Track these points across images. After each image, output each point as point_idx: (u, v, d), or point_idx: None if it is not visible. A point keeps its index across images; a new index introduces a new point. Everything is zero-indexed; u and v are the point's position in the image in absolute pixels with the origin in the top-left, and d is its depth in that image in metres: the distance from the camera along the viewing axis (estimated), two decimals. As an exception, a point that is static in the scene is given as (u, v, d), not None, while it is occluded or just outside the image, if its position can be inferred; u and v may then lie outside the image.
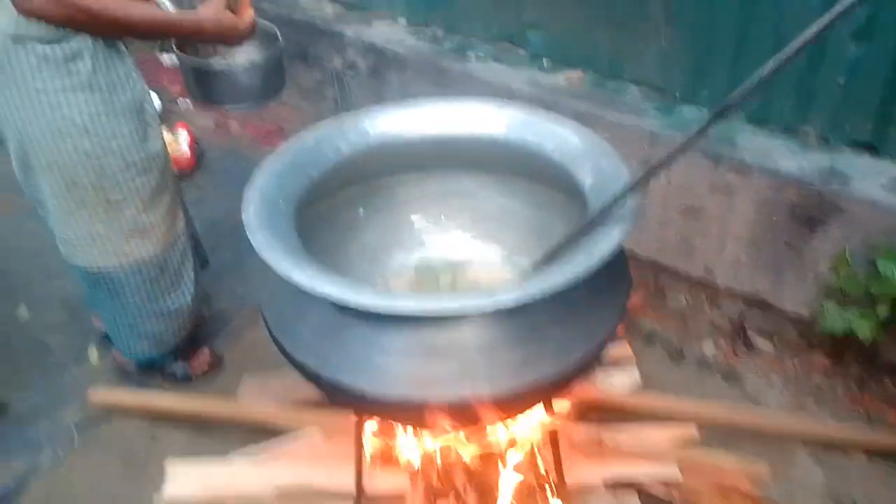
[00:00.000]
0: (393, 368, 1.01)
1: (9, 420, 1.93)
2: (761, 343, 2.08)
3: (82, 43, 1.44)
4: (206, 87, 1.66)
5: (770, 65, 0.91)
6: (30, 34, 1.39)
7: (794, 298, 2.01)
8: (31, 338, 2.20)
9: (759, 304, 2.10)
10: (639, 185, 1.07)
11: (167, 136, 2.97)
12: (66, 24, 1.39)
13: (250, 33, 1.60)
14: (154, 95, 3.09)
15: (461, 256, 1.59)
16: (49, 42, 1.41)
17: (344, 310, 1.00)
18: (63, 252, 1.72)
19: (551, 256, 1.13)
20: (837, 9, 0.84)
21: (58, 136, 1.50)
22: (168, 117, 3.26)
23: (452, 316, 0.96)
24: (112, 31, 1.47)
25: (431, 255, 1.60)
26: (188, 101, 3.34)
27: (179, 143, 3.00)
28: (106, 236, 1.65)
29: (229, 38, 1.57)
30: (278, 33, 1.71)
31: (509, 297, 0.94)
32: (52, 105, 1.47)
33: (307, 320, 1.09)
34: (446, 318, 0.98)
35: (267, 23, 1.77)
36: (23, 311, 2.28)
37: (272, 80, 1.70)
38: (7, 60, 1.42)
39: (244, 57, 1.70)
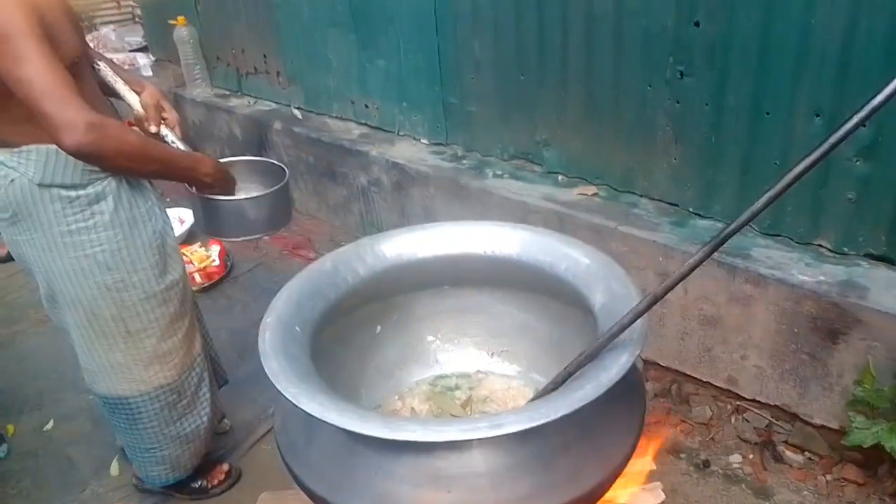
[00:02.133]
0: (400, 496, 1.01)
1: (29, 538, 1.94)
2: (791, 456, 2.02)
3: (106, 185, 1.53)
4: (213, 219, 1.74)
5: (769, 193, 0.95)
6: (55, 181, 1.47)
7: (822, 410, 1.96)
8: (56, 451, 2.23)
9: (787, 416, 2.06)
10: (643, 311, 1.09)
11: (201, 251, 3.11)
12: (105, 164, 1.46)
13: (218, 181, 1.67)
14: (188, 213, 3.24)
15: (477, 372, 1.61)
16: (74, 188, 1.49)
17: (352, 436, 1.01)
18: (86, 380, 1.77)
19: (559, 383, 1.15)
20: (837, 135, 0.88)
21: (80, 274, 1.56)
22: (201, 233, 3.41)
23: (458, 442, 0.97)
24: (143, 172, 1.56)
25: (447, 371, 1.62)
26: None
27: (212, 256, 3.11)
28: (125, 365, 1.69)
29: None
30: (286, 170, 1.81)
31: (515, 424, 0.95)
32: (75, 245, 1.53)
33: (317, 445, 1.10)
34: (451, 445, 0.99)
35: (275, 161, 1.90)
36: (50, 425, 2.33)
37: (278, 212, 1.79)
38: (33, 206, 1.49)
39: (251, 192, 1.80)
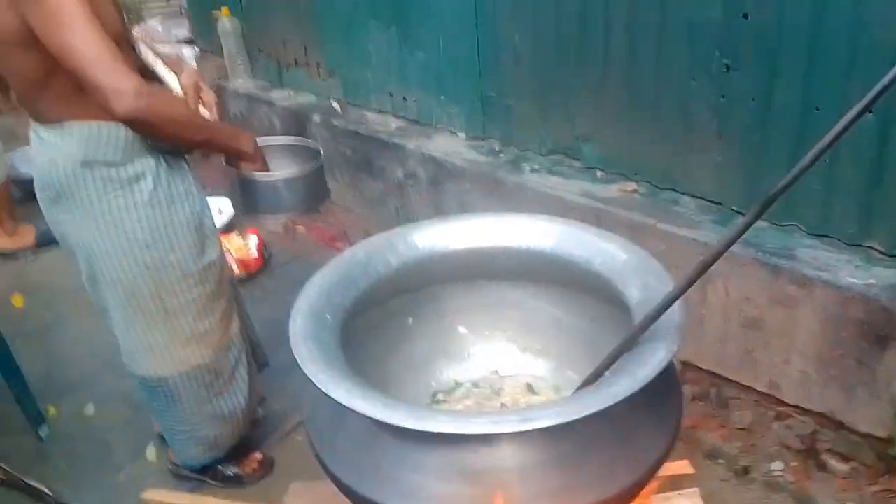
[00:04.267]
0: (428, 489, 1.00)
1: (67, 520, 1.97)
2: (835, 465, 1.94)
3: (146, 164, 1.56)
4: (249, 197, 1.77)
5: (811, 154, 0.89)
6: (97, 158, 1.50)
7: (870, 418, 1.89)
8: (94, 435, 2.27)
9: (832, 423, 1.98)
10: (680, 293, 1.05)
11: (239, 240, 3.14)
12: (154, 131, 1.48)
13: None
14: (227, 202, 3.28)
15: (509, 368, 1.58)
16: (115, 165, 1.52)
17: (381, 426, 1.00)
18: (125, 361, 1.80)
19: (596, 376, 1.12)
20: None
21: (121, 252, 1.59)
22: (240, 223, 3.44)
23: (487, 435, 0.95)
24: (185, 141, 1.58)
25: (479, 365, 1.60)
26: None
27: (249, 246, 3.14)
28: (163, 344, 1.71)
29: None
30: (321, 150, 1.82)
31: (546, 418, 0.92)
32: (115, 224, 1.56)
33: (345, 434, 1.09)
34: (481, 438, 0.97)
35: (311, 142, 1.90)
36: (90, 409, 2.37)
37: (313, 192, 1.80)
38: (75, 184, 1.52)
39: (287, 171, 1.81)
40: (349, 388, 0.98)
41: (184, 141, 1.59)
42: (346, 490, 1.08)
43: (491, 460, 1.00)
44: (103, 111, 1.38)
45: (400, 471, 1.02)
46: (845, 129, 0.85)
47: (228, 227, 3.36)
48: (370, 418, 0.94)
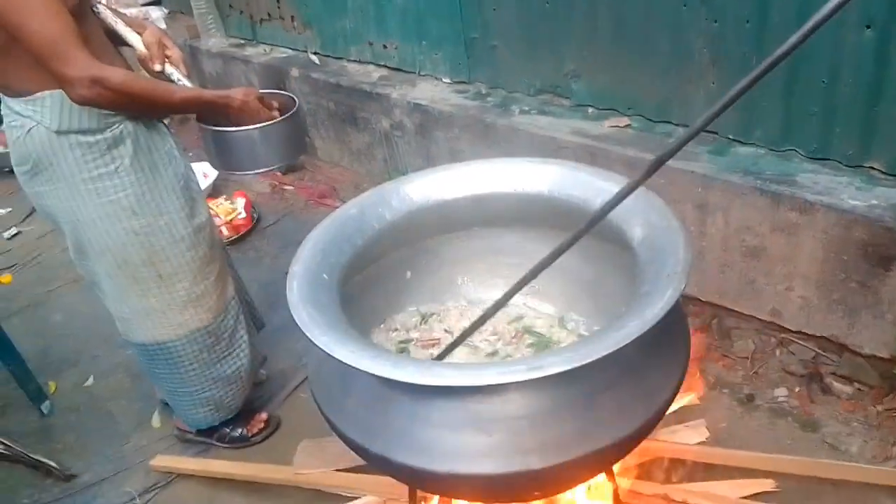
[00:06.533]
0: (439, 443, 0.98)
1: (75, 489, 1.98)
2: (839, 387, 1.95)
3: (123, 129, 1.51)
4: (225, 153, 1.71)
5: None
6: (72, 127, 1.46)
7: (873, 339, 1.89)
8: (98, 406, 2.27)
9: (835, 347, 1.98)
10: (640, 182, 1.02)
11: (227, 204, 3.09)
12: (117, 110, 1.47)
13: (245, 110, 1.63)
14: (209, 166, 3.21)
15: (512, 314, 1.56)
16: (91, 132, 1.48)
17: (387, 383, 0.98)
18: (121, 330, 1.78)
19: (541, 269, 1.09)
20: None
21: (107, 220, 1.55)
22: (227, 186, 3.38)
23: (495, 386, 0.92)
24: (156, 112, 1.56)
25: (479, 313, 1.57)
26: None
27: (237, 209, 3.09)
28: (160, 310, 1.69)
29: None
30: (296, 99, 1.75)
31: (554, 365, 0.90)
32: (99, 192, 1.52)
33: (352, 394, 1.07)
34: (489, 389, 0.95)
35: (285, 92, 1.83)
36: (90, 381, 2.36)
37: (292, 143, 1.74)
38: (53, 154, 1.48)
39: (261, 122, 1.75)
40: (354, 348, 0.96)
41: (156, 111, 1.57)
42: (356, 447, 1.06)
43: (501, 410, 0.98)
44: None
45: (410, 425, 1.00)
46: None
47: (215, 192, 3.31)
48: (377, 376, 0.91)
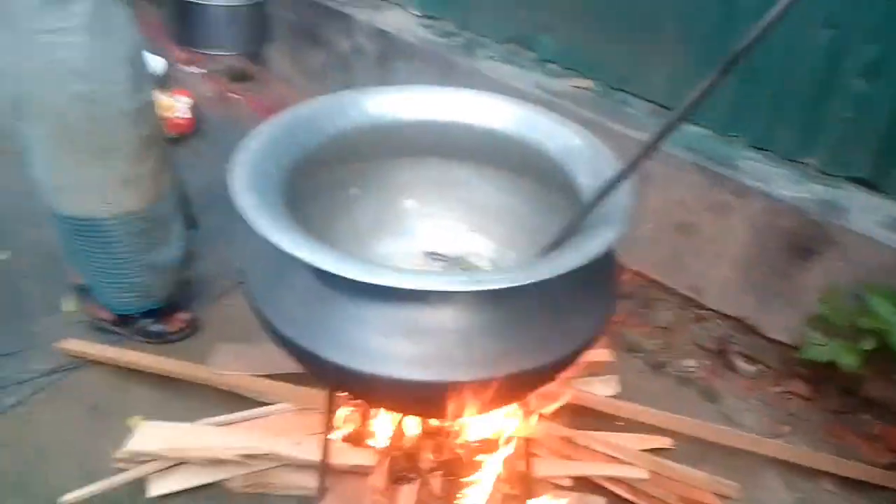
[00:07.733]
0: (370, 344, 0.99)
1: (-25, 364, 1.89)
2: (743, 366, 2.07)
3: None
4: (187, 25, 1.64)
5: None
6: None
7: (780, 325, 2.01)
8: (9, 283, 2.16)
9: (745, 328, 2.09)
10: (631, 169, 1.05)
11: (169, 99, 2.95)
12: None
13: None
14: (159, 59, 3.07)
15: (451, 247, 1.58)
16: None
17: (325, 279, 0.98)
18: (50, 202, 1.70)
19: (549, 250, 1.12)
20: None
21: (52, 78, 1.47)
22: (171, 82, 3.24)
23: (433, 293, 0.94)
24: None
25: (420, 243, 1.58)
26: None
27: (178, 106, 2.96)
28: (96, 183, 1.64)
29: None
30: None
31: (495, 282, 0.92)
32: (47, 47, 1.44)
33: (288, 287, 1.07)
34: (428, 296, 0.96)
35: None
36: (6, 256, 2.25)
37: (255, 29, 1.69)
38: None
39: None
40: (295, 238, 0.95)
41: None
42: (285, 342, 1.06)
43: (435, 319, 1.00)
44: None
45: (345, 325, 1.00)
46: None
47: (159, 86, 3.16)
48: (317, 269, 0.91)
